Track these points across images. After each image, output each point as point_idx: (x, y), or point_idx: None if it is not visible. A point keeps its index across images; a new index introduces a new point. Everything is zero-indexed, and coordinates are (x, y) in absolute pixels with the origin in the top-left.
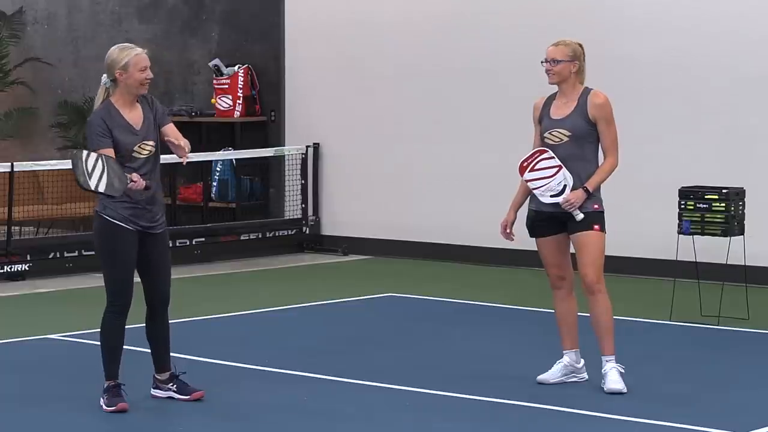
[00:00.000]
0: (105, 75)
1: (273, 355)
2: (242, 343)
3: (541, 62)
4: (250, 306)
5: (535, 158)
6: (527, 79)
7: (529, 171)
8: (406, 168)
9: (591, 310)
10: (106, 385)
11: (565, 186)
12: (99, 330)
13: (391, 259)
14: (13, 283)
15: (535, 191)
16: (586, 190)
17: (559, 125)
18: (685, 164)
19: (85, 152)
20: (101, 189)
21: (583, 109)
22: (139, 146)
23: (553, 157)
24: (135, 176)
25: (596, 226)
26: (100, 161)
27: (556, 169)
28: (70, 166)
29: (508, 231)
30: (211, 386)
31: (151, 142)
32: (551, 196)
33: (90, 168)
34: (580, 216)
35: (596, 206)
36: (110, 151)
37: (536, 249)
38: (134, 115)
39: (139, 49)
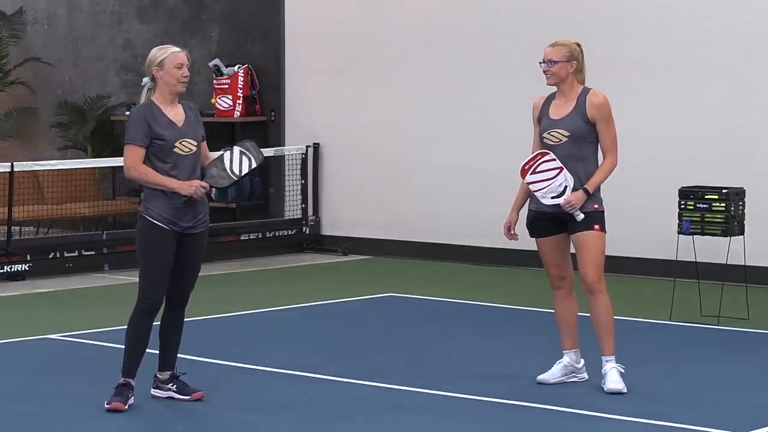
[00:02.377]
0: (146, 78)
1: (273, 355)
2: (242, 343)
3: (539, 63)
4: (250, 306)
5: (537, 161)
6: (527, 78)
7: (531, 173)
8: (406, 168)
9: (591, 310)
10: (121, 381)
11: (566, 187)
12: (125, 327)
13: (391, 259)
14: (13, 283)
15: (536, 193)
16: (586, 191)
17: (558, 125)
18: (685, 164)
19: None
20: (246, 169)
21: (582, 109)
22: (181, 142)
23: (554, 159)
24: (193, 189)
25: (596, 226)
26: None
27: (557, 171)
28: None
29: (512, 232)
30: (211, 386)
31: (192, 141)
32: (552, 197)
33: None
34: (580, 216)
35: (596, 206)
36: (141, 150)
37: (536, 249)
38: (176, 113)
39: (176, 48)
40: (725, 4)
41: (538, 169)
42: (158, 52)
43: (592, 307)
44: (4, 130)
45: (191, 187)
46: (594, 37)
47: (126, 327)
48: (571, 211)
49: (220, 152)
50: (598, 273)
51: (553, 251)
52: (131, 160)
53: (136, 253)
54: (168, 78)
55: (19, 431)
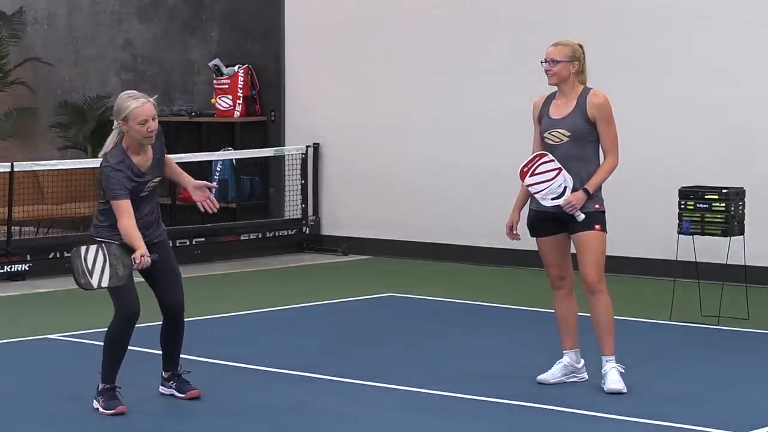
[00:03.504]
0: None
1: (273, 355)
2: (242, 343)
3: (541, 62)
4: (250, 306)
5: (535, 162)
6: (527, 78)
7: (530, 176)
8: (406, 168)
9: (592, 310)
10: (101, 387)
11: (565, 188)
12: (104, 333)
13: (391, 259)
14: (13, 283)
15: (536, 195)
16: (587, 191)
17: (559, 125)
18: (685, 164)
19: (83, 248)
20: (104, 284)
21: (583, 109)
22: (147, 186)
23: (552, 160)
24: (137, 256)
25: (597, 226)
26: (100, 253)
27: (556, 172)
28: (70, 267)
29: (514, 232)
30: (211, 386)
31: (157, 179)
32: (552, 199)
33: (90, 264)
34: (581, 216)
35: (597, 206)
36: (128, 203)
37: (536, 249)
38: (144, 159)
39: (142, 100)
40: (725, 4)
41: (536, 171)
42: (123, 105)
43: (593, 307)
44: (4, 130)
45: (143, 257)
46: (594, 37)
47: (105, 337)
48: (571, 212)
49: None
50: (599, 273)
51: (553, 251)
52: (125, 219)
53: None
54: (133, 133)
55: (19, 431)
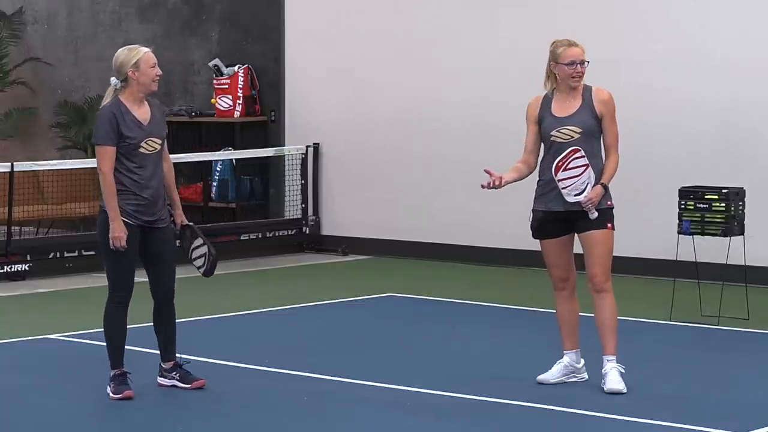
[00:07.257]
0: (114, 78)
1: (273, 355)
2: (242, 343)
3: (577, 64)
4: (250, 306)
5: (569, 157)
6: (526, 79)
7: (563, 170)
8: (406, 168)
9: (597, 309)
10: (112, 374)
11: (587, 185)
12: (102, 324)
13: (391, 259)
14: (13, 283)
15: (563, 190)
16: (605, 186)
17: (568, 122)
18: (685, 164)
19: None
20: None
21: (590, 106)
22: (146, 142)
23: (583, 156)
24: (113, 236)
25: (609, 225)
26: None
27: (584, 168)
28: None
29: (496, 182)
30: (210, 386)
31: (157, 139)
32: (575, 195)
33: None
34: (595, 214)
35: (609, 203)
36: (112, 150)
37: (537, 249)
38: (142, 112)
39: (146, 48)
40: (724, 3)
41: (569, 166)
42: (131, 54)
43: (598, 306)
44: (4, 130)
45: (116, 236)
46: (594, 36)
47: (103, 322)
48: (591, 208)
49: (200, 243)
50: (606, 272)
51: (559, 253)
52: (106, 165)
53: (100, 248)
54: (144, 78)
55: (19, 431)
